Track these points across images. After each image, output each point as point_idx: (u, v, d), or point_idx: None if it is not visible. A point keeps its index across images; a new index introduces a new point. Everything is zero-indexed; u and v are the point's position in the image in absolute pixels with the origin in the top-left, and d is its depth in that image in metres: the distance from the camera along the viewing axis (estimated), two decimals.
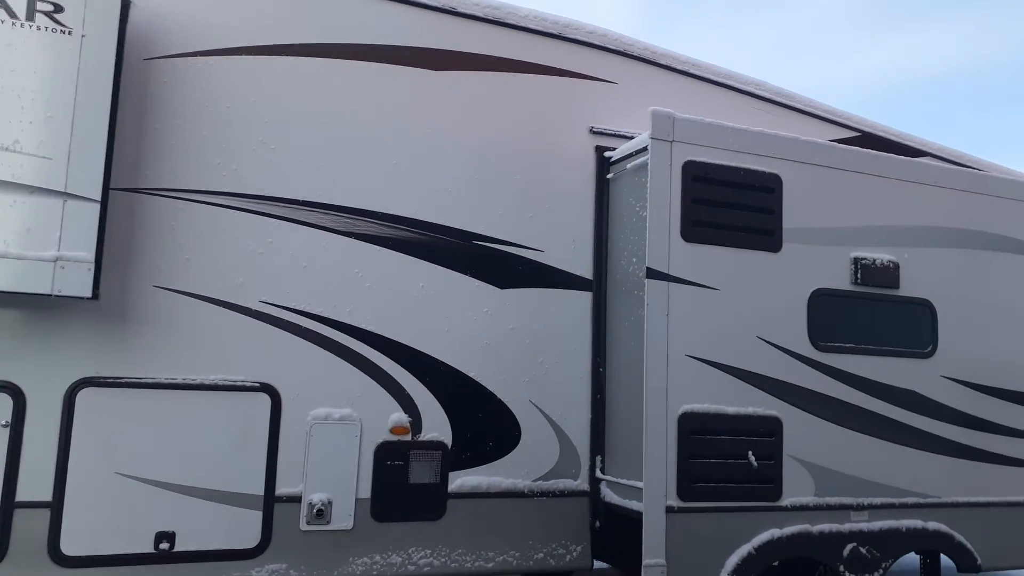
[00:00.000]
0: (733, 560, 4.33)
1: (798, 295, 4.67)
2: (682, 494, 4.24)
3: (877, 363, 4.80)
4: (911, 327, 4.98)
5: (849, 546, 4.60)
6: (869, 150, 5.05)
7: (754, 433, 4.44)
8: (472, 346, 4.58)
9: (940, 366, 4.99)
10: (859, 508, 4.67)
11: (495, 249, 4.69)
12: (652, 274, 4.33)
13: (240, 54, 4.27)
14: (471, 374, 4.56)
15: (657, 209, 4.38)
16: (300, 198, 4.31)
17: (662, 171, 4.42)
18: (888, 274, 4.87)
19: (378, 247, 4.43)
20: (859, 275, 4.78)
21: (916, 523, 4.81)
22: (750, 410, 4.45)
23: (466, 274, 4.61)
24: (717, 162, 4.54)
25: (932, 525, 4.84)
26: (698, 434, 4.31)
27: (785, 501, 4.48)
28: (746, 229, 4.57)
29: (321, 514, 4.15)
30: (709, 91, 5.37)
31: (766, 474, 4.45)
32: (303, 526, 4.14)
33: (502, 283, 4.69)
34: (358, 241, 4.40)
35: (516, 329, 4.69)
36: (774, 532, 4.44)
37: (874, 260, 4.83)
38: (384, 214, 4.45)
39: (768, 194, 4.64)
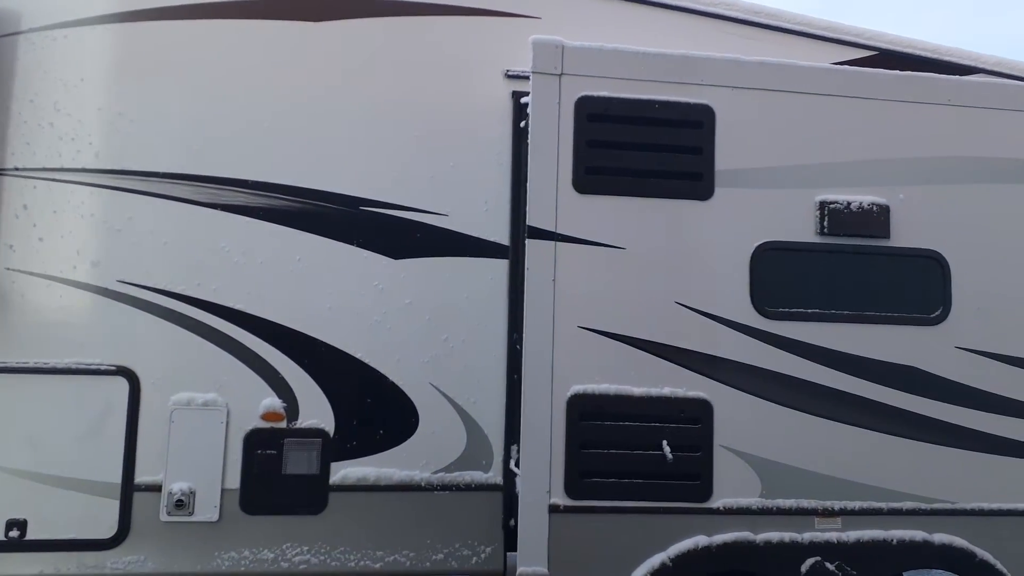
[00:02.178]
0: (641, 571, 3.58)
1: (736, 251, 3.80)
2: (571, 491, 3.57)
3: (855, 332, 3.81)
4: (909, 286, 3.93)
5: (810, 560, 3.69)
6: (843, 67, 4.04)
7: (671, 419, 3.66)
8: (358, 324, 4.13)
9: (954, 334, 3.90)
10: (828, 513, 3.75)
11: (387, 215, 4.21)
12: (534, 233, 3.67)
13: (93, 24, 4.09)
14: (357, 355, 4.12)
15: (541, 156, 3.71)
16: (160, 170, 4.06)
17: (547, 110, 3.73)
18: (871, 220, 3.86)
19: (247, 218, 4.10)
20: (826, 223, 3.82)
21: (915, 534, 3.77)
22: (665, 391, 3.67)
23: (352, 244, 4.16)
24: (623, 96, 3.77)
25: (940, 538, 3.78)
26: (593, 419, 3.61)
27: (717, 502, 3.67)
28: (662, 174, 3.77)
29: (182, 504, 3.90)
30: (664, 18, 4.54)
31: (689, 469, 3.65)
32: (163, 517, 3.91)
33: (396, 253, 4.20)
34: (224, 213, 4.09)
35: (413, 304, 4.18)
36: (700, 540, 3.64)
37: (849, 204, 3.84)
38: (253, 182, 4.11)
39: (695, 130, 3.81)
